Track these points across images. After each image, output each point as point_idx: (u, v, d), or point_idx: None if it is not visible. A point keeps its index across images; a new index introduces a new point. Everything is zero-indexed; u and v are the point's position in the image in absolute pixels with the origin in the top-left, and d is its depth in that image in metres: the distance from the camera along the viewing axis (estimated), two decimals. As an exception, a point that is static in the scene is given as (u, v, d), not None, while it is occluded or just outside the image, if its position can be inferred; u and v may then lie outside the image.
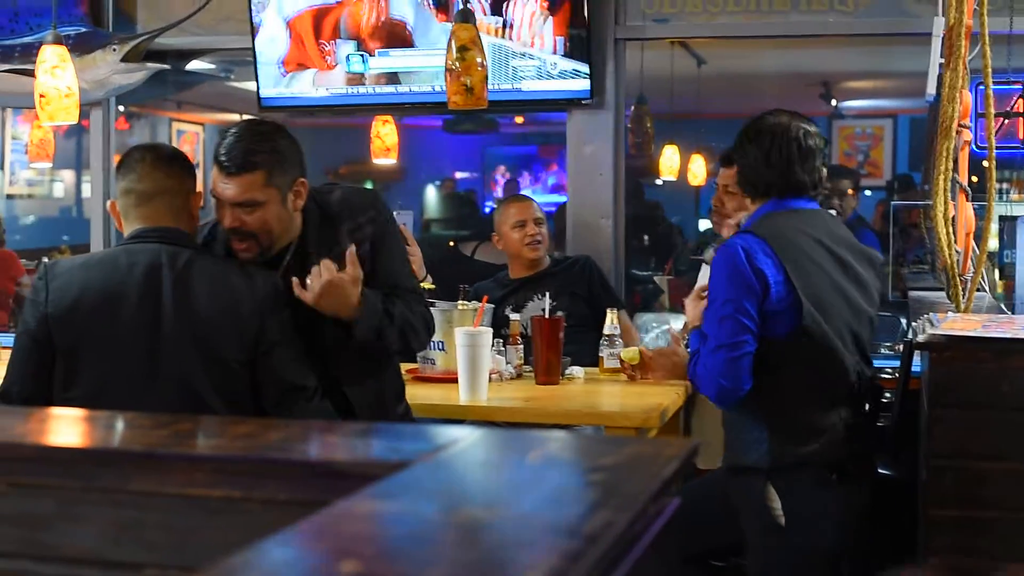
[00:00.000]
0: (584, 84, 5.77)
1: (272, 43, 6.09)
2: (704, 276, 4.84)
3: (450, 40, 4.68)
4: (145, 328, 3.29)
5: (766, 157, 3.81)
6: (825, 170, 3.95)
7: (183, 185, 3.46)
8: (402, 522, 1.31)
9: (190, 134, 11.91)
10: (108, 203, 3.59)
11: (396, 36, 5.95)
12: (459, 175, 13.98)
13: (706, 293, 3.90)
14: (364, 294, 3.52)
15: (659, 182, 10.50)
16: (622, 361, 4.68)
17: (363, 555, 1.17)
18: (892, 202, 7.69)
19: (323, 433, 1.93)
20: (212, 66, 7.83)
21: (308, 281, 3.46)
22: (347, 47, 6.01)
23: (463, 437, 1.71)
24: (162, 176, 3.43)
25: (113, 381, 3.27)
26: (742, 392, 3.64)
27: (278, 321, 3.40)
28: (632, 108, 8.35)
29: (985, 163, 4.79)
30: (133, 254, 3.36)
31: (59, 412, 2.57)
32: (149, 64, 6.15)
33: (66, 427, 2.12)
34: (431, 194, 12.61)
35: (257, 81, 6.16)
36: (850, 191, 7.93)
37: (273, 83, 6.12)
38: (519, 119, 12.36)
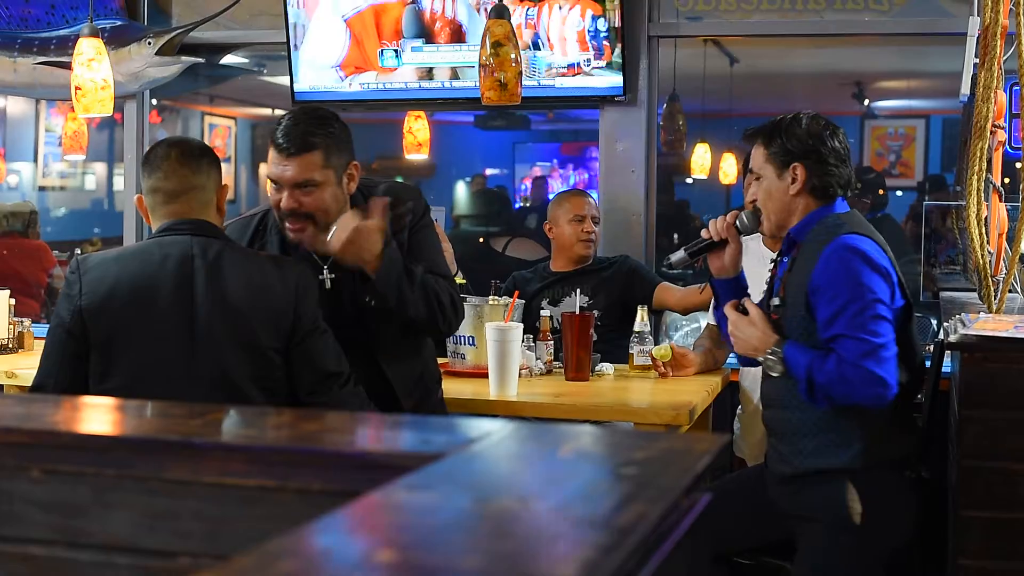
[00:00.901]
0: (617, 81, 5.77)
1: (326, 45, 6.11)
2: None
3: (484, 36, 4.69)
4: (180, 319, 3.31)
5: (844, 155, 3.78)
6: None
7: (210, 181, 3.47)
8: (436, 513, 1.32)
9: (222, 128, 11.96)
10: (135, 198, 3.60)
11: (453, 33, 5.96)
12: (489, 172, 13.98)
13: (741, 309, 3.82)
14: (387, 250, 3.57)
15: (690, 180, 10.49)
16: (653, 359, 4.68)
17: (399, 544, 1.18)
18: (924, 202, 7.64)
19: (357, 424, 1.94)
20: (245, 60, 7.84)
21: (333, 228, 3.52)
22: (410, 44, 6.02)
23: (496, 430, 1.72)
24: (188, 173, 3.44)
25: (149, 372, 3.29)
26: (896, 389, 3.53)
27: (312, 308, 3.43)
28: (664, 106, 8.34)
29: (1019, 164, 4.78)
30: (165, 246, 3.38)
31: (94, 400, 2.59)
32: (183, 58, 6.18)
33: (101, 415, 2.13)
34: (461, 190, 12.63)
35: (291, 76, 6.17)
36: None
37: (333, 83, 6.13)
38: (550, 116, 12.35)
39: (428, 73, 6.01)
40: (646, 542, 1.26)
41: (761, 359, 3.72)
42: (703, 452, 1.61)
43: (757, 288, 4.04)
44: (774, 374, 3.70)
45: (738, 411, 5.06)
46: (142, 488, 1.75)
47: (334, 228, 3.53)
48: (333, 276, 3.73)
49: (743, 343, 3.79)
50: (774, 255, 4.41)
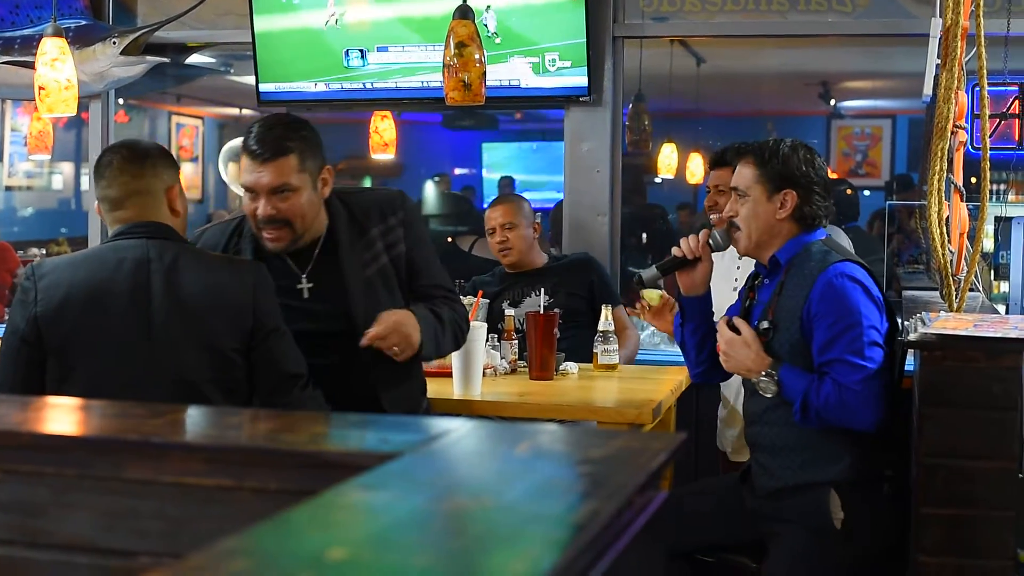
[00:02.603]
0: (582, 81, 5.78)
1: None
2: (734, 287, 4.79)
3: (448, 36, 4.70)
4: (136, 323, 3.29)
5: (830, 188, 3.88)
6: None
7: (156, 182, 3.43)
8: (390, 511, 1.33)
9: (189, 127, 11.94)
10: (95, 205, 3.57)
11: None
12: (458, 171, 13.98)
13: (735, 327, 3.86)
14: (417, 317, 3.64)
15: (658, 180, 10.51)
16: (641, 297, 4.69)
17: (351, 543, 1.19)
18: (888, 202, 7.69)
19: (314, 424, 1.95)
20: (212, 60, 7.83)
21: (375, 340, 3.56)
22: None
23: (453, 429, 1.73)
24: (129, 179, 3.40)
25: (106, 377, 3.27)
26: (886, 414, 3.66)
27: (271, 308, 3.42)
28: (630, 106, 8.36)
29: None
30: (120, 250, 3.35)
31: (55, 401, 2.58)
32: (149, 57, 6.16)
33: (61, 416, 2.14)
34: (430, 190, 12.61)
35: (256, 75, 6.17)
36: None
37: (298, 84, 6.13)
38: (518, 116, 12.36)
39: (393, 73, 6.02)
40: (600, 539, 1.27)
41: (754, 380, 3.77)
42: (659, 450, 1.63)
43: (717, 305, 4.10)
44: (767, 395, 3.75)
45: (720, 406, 5.10)
46: (102, 488, 1.75)
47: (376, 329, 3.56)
48: (311, 285, 3.70)
49: (736, 363, 3.83)
50: (739, 262, 4.46)
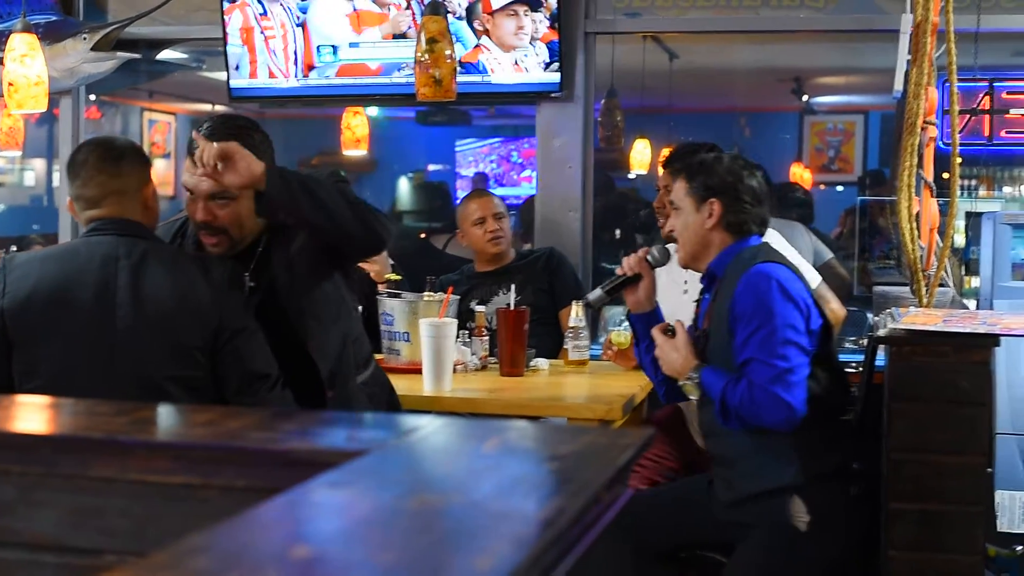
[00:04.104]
0: (554, 77, 5.79)
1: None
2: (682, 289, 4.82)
3: (419, 32, 4.69)
4: (101, 319, 3.27)
5: (760, 195, 3.86)
6: None
7: (132, 181, 3.41)
8: (355, 509, 1.33)
9: (161, 123, 11.90)
10: (67, 202, 3.55)
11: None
12: (432, 167, 13.97)
13: (670, 331, 3.89)
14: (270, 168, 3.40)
15: (632, 176, 10.52)
16: (610, 341, 4.74)
17: (315, 541, 1.19)
18: (860, 198, 7.71)
19: (282, 421, 1.94)
20: (184, 56, 7.81)
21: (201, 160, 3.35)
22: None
23: (421, 426, 1.73)
24: (106, 179, 3.39)
25: (69, 372, 3.26)
26: (803, 413, 3.60)
27: (239, 308, 3.40)
28: (602, 102, 8.37)
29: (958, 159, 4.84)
30: (91, 246, 3.34)
31: (20, 399, 2.57)
32: (119, 53, 6.13)
33: (27, 413, 2.13)
34: (403, 186, 12.62)
35: (228, 71, 6.16)
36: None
37: (269, 79, 6.12)
38: (491, 112, 12.35)
39: (365, 69, 6.01)
40: (565, 536, 1.27)
41: (681, 383, 3.80)
42: (626, 447, 1.63)
43: (670, 312, 4.12)
44: (692, 397, 3.78)
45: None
46: (68, 486, 1.75)
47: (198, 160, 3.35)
48: (253, 284, 3.61)
49: (667, 365, 3.86)
50: (687, 277, 4.48)
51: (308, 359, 3.63)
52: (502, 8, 5.78)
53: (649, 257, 4.00)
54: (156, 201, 3.52)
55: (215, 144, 3.31)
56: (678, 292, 4.68)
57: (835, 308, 4.74)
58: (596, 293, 4.08)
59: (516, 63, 5.79)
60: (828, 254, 6.10)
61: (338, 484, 1.41)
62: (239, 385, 3.36)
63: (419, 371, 4.26)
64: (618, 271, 4.06)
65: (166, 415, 2.08)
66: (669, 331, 3.86)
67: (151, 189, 3.47)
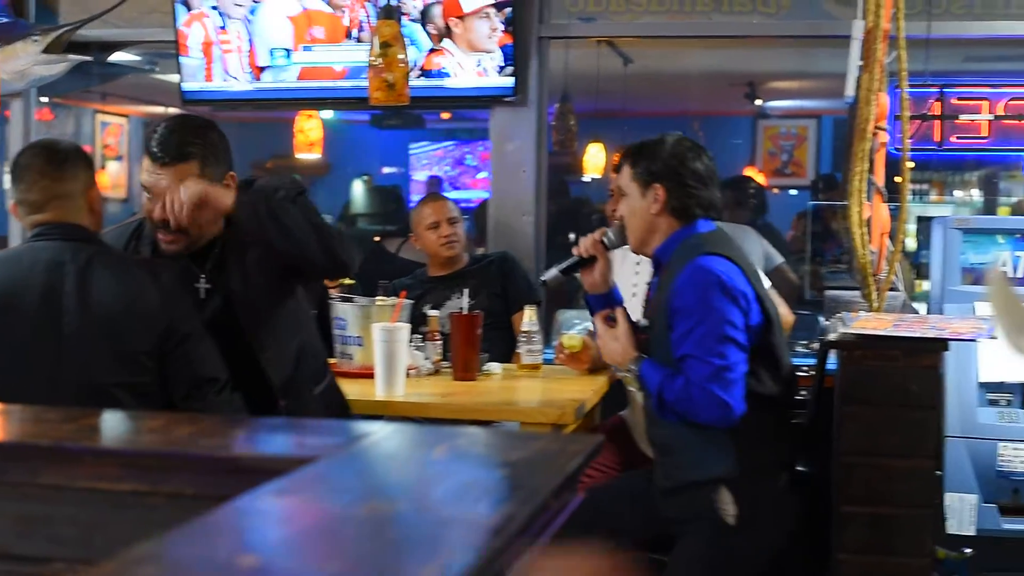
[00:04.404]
0: (507, 81, 5.79)
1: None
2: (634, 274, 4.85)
3: (372, 36, 4.69)
4: (47, 325, 3.25)
5: (706, 176, 3.84)
6: None
7: (76, 184, 3.39)
8: (304, 516, 1.33)
9: (114, 126, 11.82)
10: (9, 205, 3.52)
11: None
12: (386, 170, 13.93)
13: (613, 319, 3.90)
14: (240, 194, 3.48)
15: (587, 179, 10.53)
16: (562, 344, 4.75)
17: (262, 549, 1.19)
18: (811, 202, 7.75)
19: (231, 428, 1.94)
20: (137, 58, 7.77)
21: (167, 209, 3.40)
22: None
23: (372, 432, 1.73)
24: (49, 183, 3.36)
25: (16, 377, 3.23)
26: (741, 411, 3.61)
27: (187, 312, 3.39)
28: (556, 106, 8.38)
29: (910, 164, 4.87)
30: (36, 251, 3.32)
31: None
32: (71, 56, 6.10)
33: (-26, 421, 2.11)
34: (357, 189, 12.57)
35: (180, 74, 6.13)
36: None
37: (222, 83, 6.09)
38: (445, 115, 12.33)
39: (318, 72, 6.00)
40: (515, 543, 1.28)
41: (621, 374, 3.82)
42: (576, 453, 1.63)
43: (626, 293, 4.13)
44: (631, 388, 3.79)
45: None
46: (16, 494, 1.74)
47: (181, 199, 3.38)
48: (209, 287, 3.62)
49: (607, 355, 3.90)
50: (634, 258, 4.49)
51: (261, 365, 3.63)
52: (474, 11, 5.77)
53: (604, 239, 3.99)
54: (101, 204, 3.50)
55: (184, 191, 3.36)
56: (631, 274, 4.70)
57: (784, 314, 4.77)
58: (552, 273, 4.10)
59: (479, 65, 5.79)
60: (779, 259, 6.13)
61: (287, 492, 1.40)
62: (188, 390, 3.35)
63: (372, 375, 4.25)
64: (574, 251, 4.06)
65: (114, 422, 2.07)
66: (612, 319, 3.88)
67: (96, 192, 3.45)
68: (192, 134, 3.51)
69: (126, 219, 3.91)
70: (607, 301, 4.01)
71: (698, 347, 3.61)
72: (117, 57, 6.95)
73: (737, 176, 9.27)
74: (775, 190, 12.53)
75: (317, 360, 3.92)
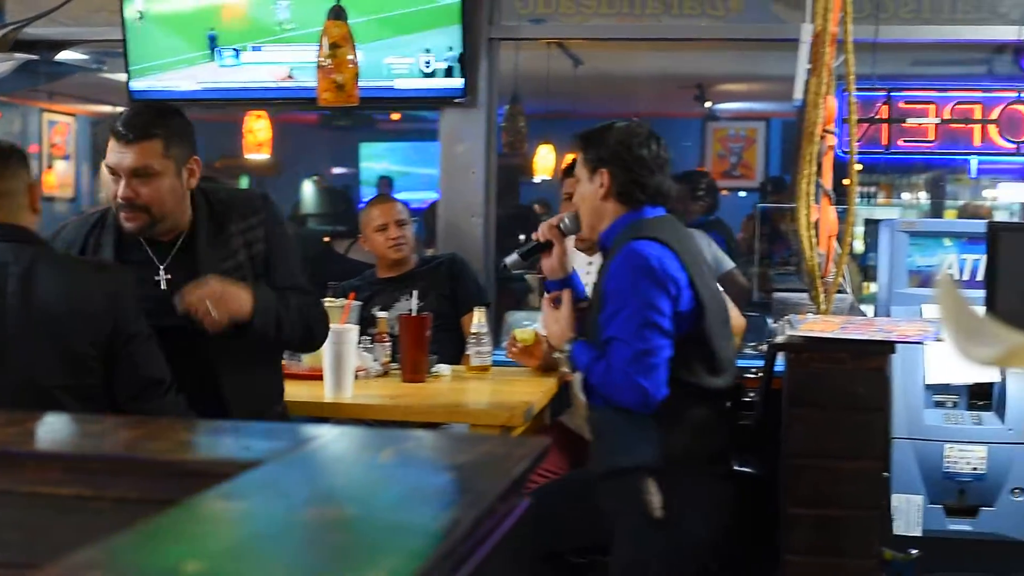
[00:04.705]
0: (457, 83, 5.79)
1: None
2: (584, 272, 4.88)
3: (322, 37, 4.68)
4: None
5: (652, 163, 3.84)
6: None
7: (17, 183, 3.38)
8: (249, 521, 1.32)
9: (61, 125, 11.74)
10: None
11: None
12: (336, 171, 13.91)
13: (559, 301, 3.93)
14: (256, 289, 3.60)
15: (537, 180, 10.54)
16: (514, 338, 4.75)
17: (207, 555, 1.18)
18: (759, 204, 7.78)
19: (177, 431, 1.93)
20: (85, 57, 7.72)
21: (190, 300, 3.48)
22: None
23: (318, 436, 1.72)
24: None
25: None
26: (661, 397, 3.62)
27: (133, 314, 3.38)
28: (506, 107, 8.38)
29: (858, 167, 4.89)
30: None
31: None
32: (17, 55, 6.06)
33: (-83, 424, 2.09)
34: (307, 189, 12.54)
35: (128, 74, 6.10)
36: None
37: (171, 82, 6.06)
38: (395, 116, 12.32)
39: (267, 73, 5.98)
40: (460, 548, 1.27)
41: (558, 355, 3.87)
42: (522, 457, 1.63)
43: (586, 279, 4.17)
44: (565, 369, 3.83)
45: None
46: (-42, 498, 1.72)
47: (190, 299, 3.49)
48: (169, 277, 3.67)
49: (549, 335, 3.98)
50: (586, 257, 4.52)
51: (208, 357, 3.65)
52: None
53: (561, 224, 4.03)
54: (39, 203, 3.49)
55: (206, 287, 3.48)
56: (583, 274, 4.72)
57: (735, 318, 4.78)
58: (512, 258, 4.15)
59: (428, 65, 5.80)
60: (729, 264, 6.15)
61: (232, 496, 1.40)
62: (134, 391, 3.34)
63: (320, 377, 4.24)
64: (533, 237, 4.09)
65: (58, 425, 2.05)
66: (558, 301, 3.92)
67: (36, 191, 3.45)
68: (157, 115, 3.64)
69: (73, 216, 3.92)
70: (565, 286, 4.03)
71: (622, 330, 3.64)
72: (64, 56, 6.90)
73: (691, 171, 9.31)
74: (724, 192, 12.57)
75: (279, 382, 4.00)
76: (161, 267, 3.68)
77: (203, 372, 3.62)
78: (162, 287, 3.66)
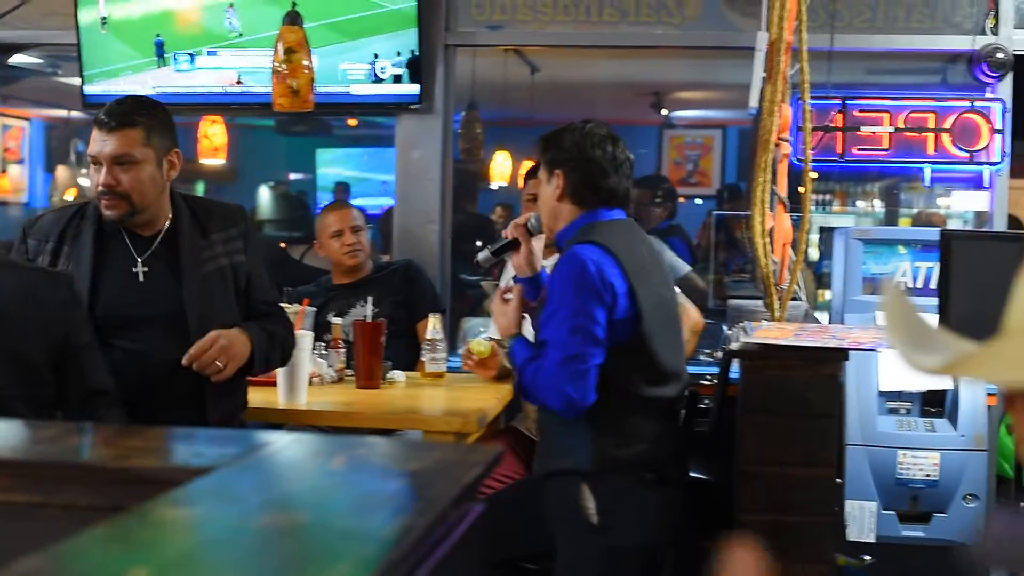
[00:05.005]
0: (413, 89, 5.78)
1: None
2: (508, 279, 4.89)
3: (277, 42, 4.66)
4: None
5: (607, 165, 3.83)
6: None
7: None
8: (199, 529, 1.31)
9: (15, 129, 11.64)
10: None
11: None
12: (292, 176, 13.85)
13: (510, 296, 3.93)
14: (249, 334, 3.71)
15: (495, 187, 10.54)
16: (469, 351, 4.75)
17: (154, 563, 1.17)
18: (715, 212, 7.80)
19: (127, 438, 1.91)
20: (39, 61, 7.68)
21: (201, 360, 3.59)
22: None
23: (270, 442, 1.71)
24: None
25: None
26: (588, 403, 3.61)
27: (82, 323, 3.39)
28: (462, 114, 8.37)
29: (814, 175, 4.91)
30: None
31: None
32: (-30, 58, 6.02)
33: None
34: (264, 195, 12.50)
35: (82, 78, 6.06)
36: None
37: (125, 86, 6.03)
38: (352, 122, 12.29)
39: (222, 78, 5.96)
40: (412, 554, 1.27)
41: (502, 351, 3.88)
42: (475, 463, 1.62)
43: None
44: (508, 365, 3.86)
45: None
46: (-96, 504, 1.70)
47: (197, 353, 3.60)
48: (146, 269, 3.73)
49: (497, 328, 4.01)
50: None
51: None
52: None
53: (528, 224, 4.04)
54: None
55: (215, 344, 3.59)
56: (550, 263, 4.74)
57: (694, 317, 4.78)
58: (484, 254, 4.18)
59: (383, 71, 5.79)
60: (684, 268, 6.16)
61: (183, 502, 1.39)
62: (81, 400, 3.33)
63: (274, 383, 4.22)
64: (503, 234, 4.12)
65: (6, 431, 2.03)
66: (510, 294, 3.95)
67: None
68: (139, 106, 3.74)
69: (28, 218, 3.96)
70: (534, 285, 4.04)
71: (554, 334, 3.65)
72: (18, 59, 6.86)
73: (650, 175, 9.33)
74: (681, 199, 12.60)
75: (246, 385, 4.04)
76: (140, 259, 3.74)
77: (179, 362, 3.64)
78: (139, 279, 3.72)
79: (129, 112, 3.67)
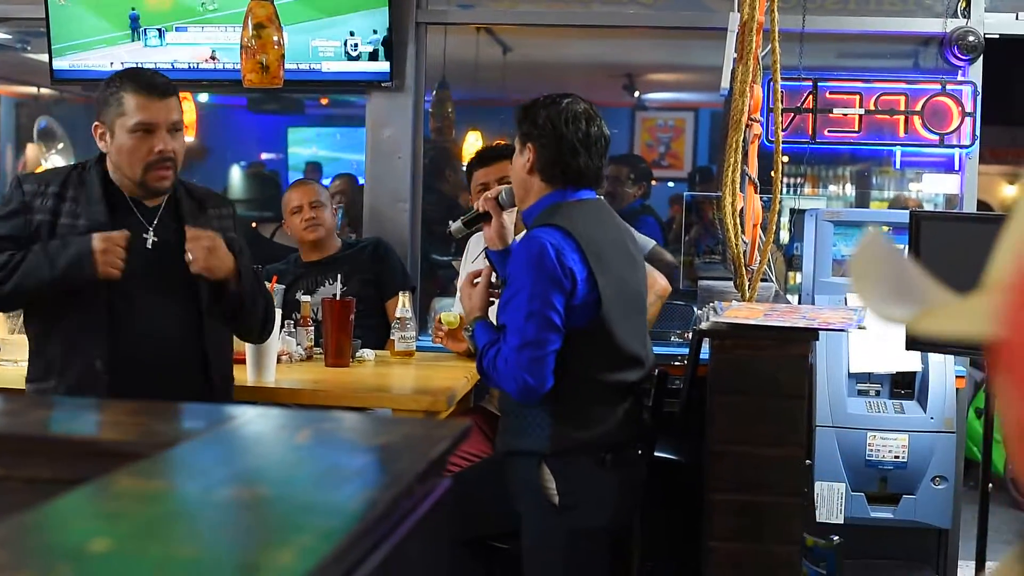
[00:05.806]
0: (384, 66, 5.76)
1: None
2: (472, 260, 4.88)
3: (246, 17, 4.63)
4: None
5: (579, 143, 3.78)
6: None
7: None
8: (162, 500, 1.30)
9: (-17, 106, 11.60)
10: None
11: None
12: (264, 155, 13.80)
13: (478, 280, 3.92)
14: (239, 260, 3.77)
15: (464, 167, 10.52)
16: (439, 321, 4.75)
17: (115, 534, 1.16)
18: (686, 193, 7.79)
19: (91, 411, 1.90)
20: (8, 36, 7.62)
21: (189, 255, 3.63)
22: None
23: (235, 416, 1.70)
24: None
25: None
26: (546, 389, 3.60)
27: None
28: (433, 93, 8.35)
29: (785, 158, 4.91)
30: None
31: None
32: (-64, 33, 5.98)
33: None
34: (235, 174, 12.45)
35: (50, 54, 6.02)
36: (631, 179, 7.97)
37: (94, 61, 5.99)
38: (324, 101, 12.25)
39: (191, 53, 5.93)
40: (376, 528, 1.26)
41: (466, 334, 3.88)
42: (441, 438, 1.62)
43: None
44: (470, 348, 3.86)
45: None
46: None
47: (189, 254, 3.65)
48: (156, 239, 3.77)
49: (464, 310, 4.04)
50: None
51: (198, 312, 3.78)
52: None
53: (499, 197, 4.01)
54: None
55: (206, 236, 3.66)
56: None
57: (661, 282, 4.72)
58: (456, 224, 4.16)
59: (355, 48, 5.76)
60: (650, 243, 6.16)
61: (147, 475, 1.38)
62: None
63: (242, 361, 4.21)
64: (475, 207, 4.10)
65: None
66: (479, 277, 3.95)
67: None
68: (161, 75, 3.82)
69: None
70: (504, 259, 4.01)
71: (512, 318, 3.64)
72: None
73: (625, 154, 9.31)
74: (653, 181, 12.61)
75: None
76: (150, 227, 3.78)
77: (187, 327, 3.75)
78: (148, 246, 3.77)
79: (168, 81, 3.74)
